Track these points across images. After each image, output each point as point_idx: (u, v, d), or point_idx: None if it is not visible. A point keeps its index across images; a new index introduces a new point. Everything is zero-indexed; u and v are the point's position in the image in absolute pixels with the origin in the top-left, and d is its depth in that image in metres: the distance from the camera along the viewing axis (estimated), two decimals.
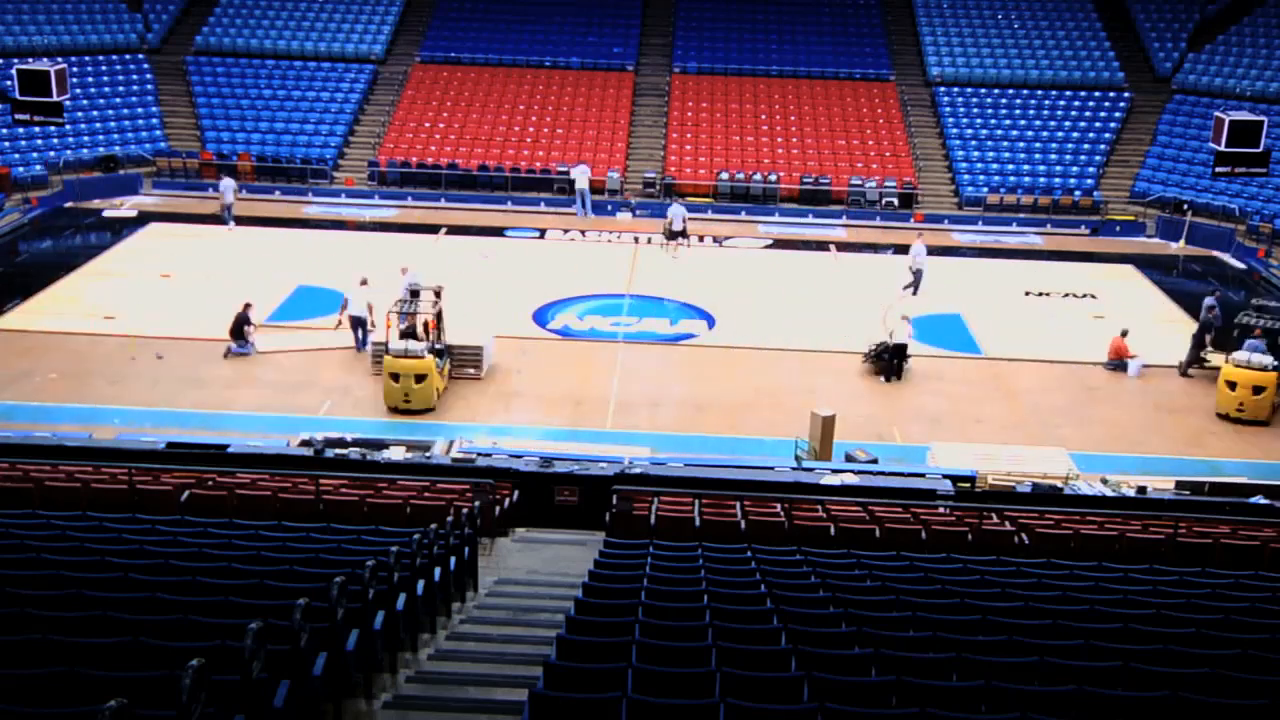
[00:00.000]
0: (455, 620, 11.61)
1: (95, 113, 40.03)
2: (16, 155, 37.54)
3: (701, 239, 36.00)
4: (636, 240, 35.52)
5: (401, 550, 10.28)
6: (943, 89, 42.78)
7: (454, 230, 35.81)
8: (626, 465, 17.45)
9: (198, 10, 44.56)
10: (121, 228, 34.67)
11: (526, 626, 11.28)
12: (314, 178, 39.26)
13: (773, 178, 39.25)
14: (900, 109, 42.21)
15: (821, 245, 36.02)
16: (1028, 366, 25.77)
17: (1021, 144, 40.96)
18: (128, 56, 42.41)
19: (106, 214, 35.93)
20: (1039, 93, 42.46)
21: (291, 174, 39.41)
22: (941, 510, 15.80)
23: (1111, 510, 16.46)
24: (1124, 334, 25.81)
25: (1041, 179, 39.90)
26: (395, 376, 22.02)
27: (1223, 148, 23.64)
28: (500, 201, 38.64)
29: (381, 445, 18.51)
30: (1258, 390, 22.55)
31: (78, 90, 36.22)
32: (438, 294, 23.39)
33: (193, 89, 42.04)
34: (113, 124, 40.11)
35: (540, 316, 27.89)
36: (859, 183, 39.16)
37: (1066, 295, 31.28)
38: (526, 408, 22.82)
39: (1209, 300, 26.68)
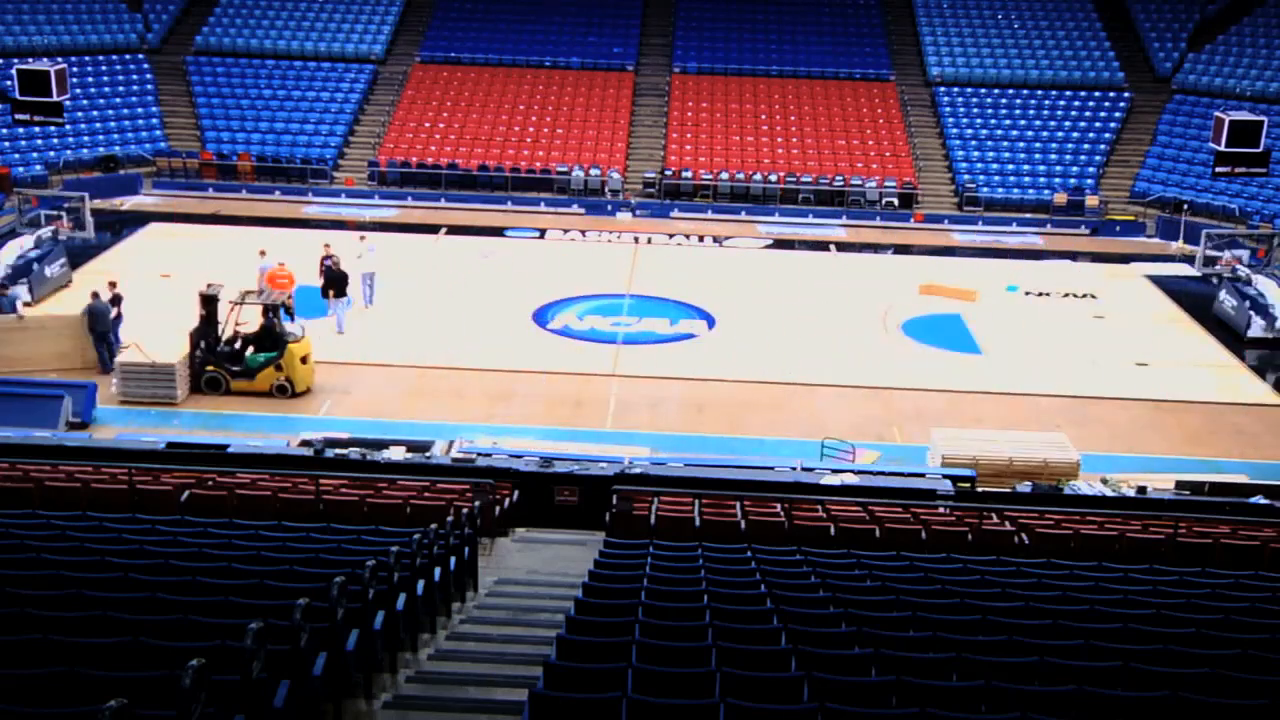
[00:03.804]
0: (455, 620, 11.60)
1: (95, 113, 40.05)
2: (16, 155, 37.55)
3: (701, 239, 36.05)
4: (636, 240, 35.53)
5: (401, 550, 10.28)
6: (943, 89, 42.78)
7: (454, 230, 35.83)
8: (626, 465, 17.45)
9: (198, 10, 44.57)
10: (121, 228, 34.69)
11: (526, 626, 11.28)
12: (314, 178, 39.27)
13: (773, 178, 39.25)
14: (900, 109, 42.21)
15: (821, 245, 36.03)
16: (1028, 366, 25.77)
17: (1021, 144, 40.96)
18: (128, 56, 42.42)
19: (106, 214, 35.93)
20: (1039, 93, 42.46)
21: (291, 174, 39.42)
22: (941, 510, 15.80)
23: (1111, 510, 16.46)
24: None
25: (1041, 179, 39.90)
26: None
27: (1223, 148, 23.72)
28: (500, 201, 38.64)
29: (381, 445, 18.50)
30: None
31: (78, 90, 36.23)
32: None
33: (193, 89, 42.05)
34: (113, 124, 40.13)
35: (540, 316, 27.89)
36: (859, 183, 39.17)
37: (1066, 295, 31.29)
38: (526, 408, 22.81)
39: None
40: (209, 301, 22.37)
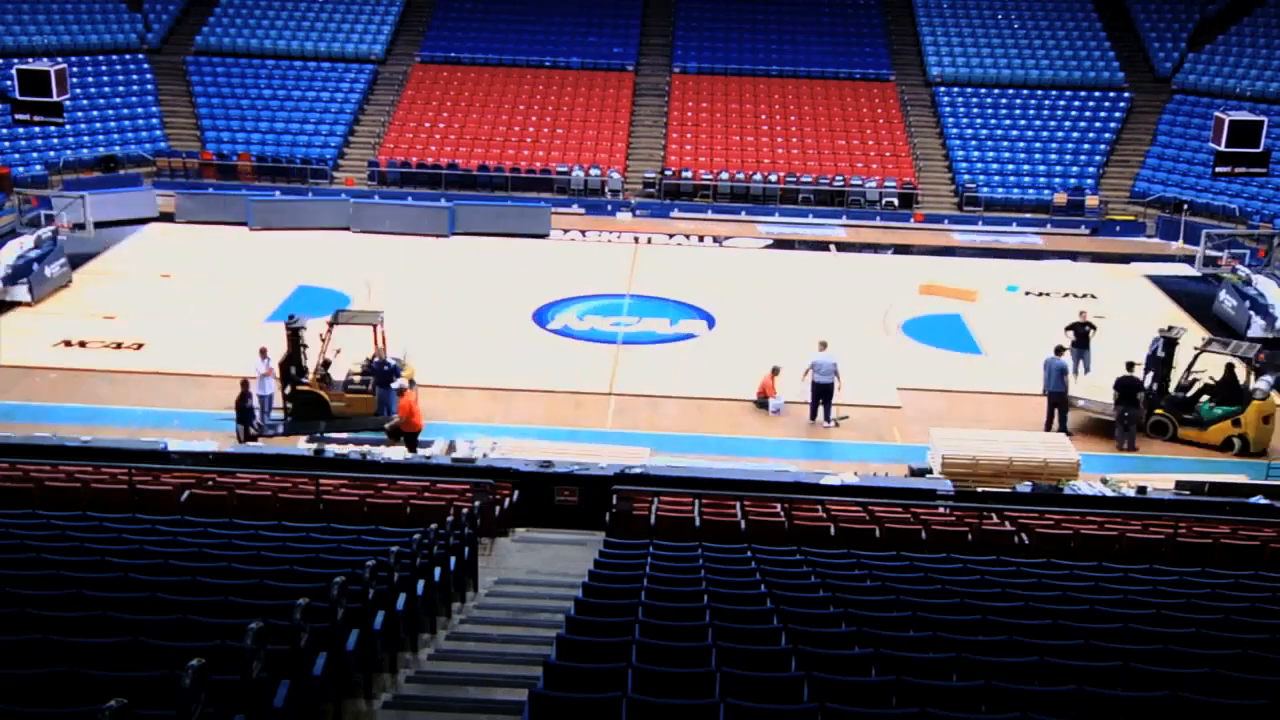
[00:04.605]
0: (455, 620, 11.61)
1: (95, 113, 40.03)
2: (16, 155, 37.54)
3: (701, 239, 36.06)
4: (636, 240, 35.52)
5: (401, 550, 10.28)
6: (943, 89, 42.77)
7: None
8: (626, 465, 17.45)
9: (198, 10, 44.56)
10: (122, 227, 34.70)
11: (526, 626, 11.28)
12: (314, 178, 39.25)
13: (773, 178, 39.25)
14: (900, 109, 42.20)
15: (821, 245, 36.03)
16: (1028, 366, 25.73)
17: (1021, 144, 40.95)
18: (128, 56, 42.41)
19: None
20: (1039, 93, 42.45)
21: (291, 174, 39.40)
22: (941, 510, 15.80)
23: (1111, 510, 16.46)
24: (775, 371, 22.81)
25: (1041, 179, 39.90)
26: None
27: (1223, 148, 23.66)
28: (500, 201, 38.61)
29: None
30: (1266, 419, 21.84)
31: (78, 90, 36.21)
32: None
33: (193, 89, 42.04)
34: (113, 124, 40.11)
35: (540, 316, 27.89)
36: (859, 183, 39.17)
37: (1066, 295, 31.27)
38: (527, 407, 22.78)
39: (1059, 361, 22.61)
40: (1170, 345, 21.78)
